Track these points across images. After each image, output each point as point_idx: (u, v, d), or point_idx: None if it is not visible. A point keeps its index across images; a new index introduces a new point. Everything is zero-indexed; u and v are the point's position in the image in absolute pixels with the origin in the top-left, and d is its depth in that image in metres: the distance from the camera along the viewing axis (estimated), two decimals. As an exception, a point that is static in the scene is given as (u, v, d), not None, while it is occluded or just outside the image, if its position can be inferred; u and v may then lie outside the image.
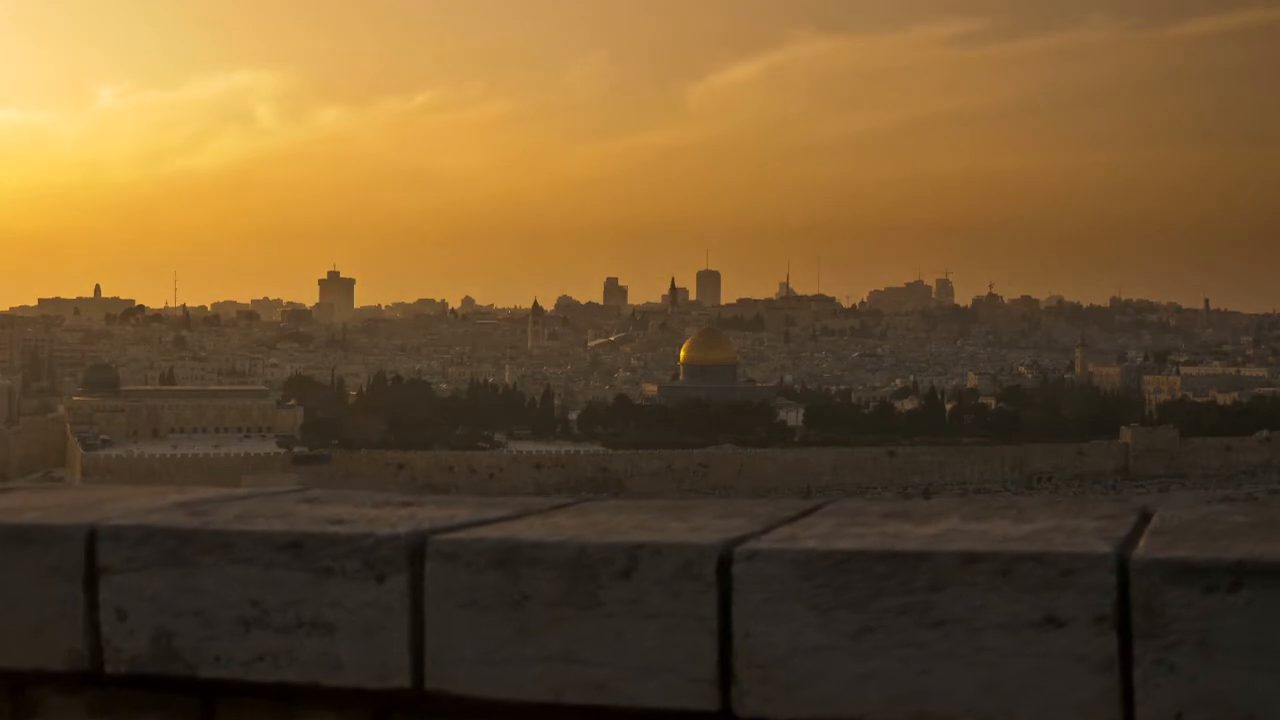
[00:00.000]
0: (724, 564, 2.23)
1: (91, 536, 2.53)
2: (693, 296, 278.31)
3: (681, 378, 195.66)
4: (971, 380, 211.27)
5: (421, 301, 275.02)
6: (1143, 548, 2.15)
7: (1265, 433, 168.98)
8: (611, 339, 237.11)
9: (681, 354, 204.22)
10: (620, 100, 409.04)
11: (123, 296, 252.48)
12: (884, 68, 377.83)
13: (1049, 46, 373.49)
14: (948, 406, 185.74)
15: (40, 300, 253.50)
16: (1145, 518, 2.39)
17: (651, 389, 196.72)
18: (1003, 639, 2.11)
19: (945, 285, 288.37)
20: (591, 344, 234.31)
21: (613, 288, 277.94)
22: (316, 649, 2.41)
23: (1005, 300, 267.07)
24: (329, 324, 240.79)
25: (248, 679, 2.45)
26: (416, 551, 2.37)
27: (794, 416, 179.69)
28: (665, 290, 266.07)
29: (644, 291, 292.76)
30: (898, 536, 2.28)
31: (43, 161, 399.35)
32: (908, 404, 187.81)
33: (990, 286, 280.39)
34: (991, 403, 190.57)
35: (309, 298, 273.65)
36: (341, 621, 2.40)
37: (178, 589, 2.48)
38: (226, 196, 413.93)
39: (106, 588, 2.51)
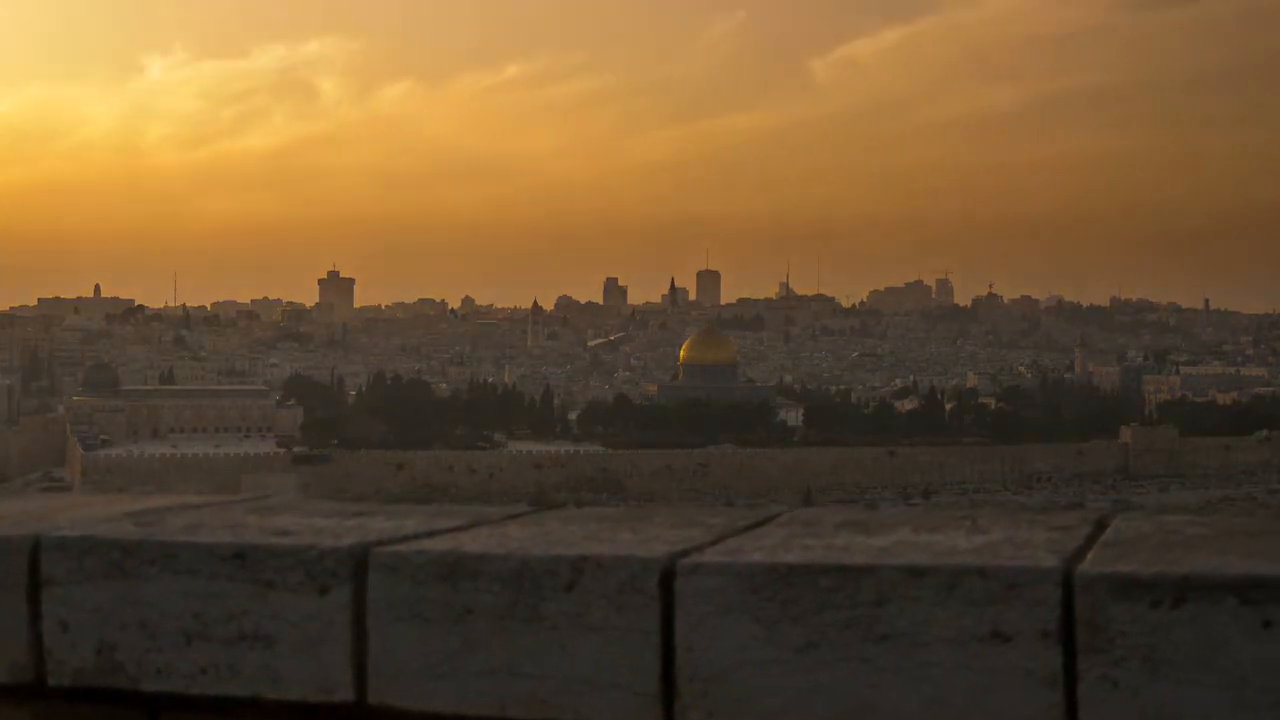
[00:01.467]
0: (667, 577, 2.22)
1: (35, 547, 2.50)
2: (692, 296, 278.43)
3: (681, 378, 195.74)
4: (971, 380, 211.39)
5: (421, 301, 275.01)
6: (1090, 561, 2.13)
7: (1265, 432, 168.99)
8: (611, 339, 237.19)
9: (681, 354, 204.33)
10: (730, 78, 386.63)
11: (122, 296, 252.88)
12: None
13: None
14: (947, 406, 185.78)
15: (40, 300, 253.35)
16: (1100, 528, 2.38)
17: (651, 389, 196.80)
18: (948, 653, 2.10)
19: (945, 285, 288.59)
20: (591, 344, 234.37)
21: (612, 287, 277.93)
22: (259, 662, 2.38)
23: (1005, 300, 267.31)
24: (329, 324, 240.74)
25: (190, 692, 2.42)
26: (359, 563, 2.35)
27: (794, 416, 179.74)
28: (665, 290, 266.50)
29: (644, 291, 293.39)
30: (846, 549, 2.26)
31: (65, 149, 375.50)
32: (907, 404, 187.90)
33: (990, 286, 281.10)
34: (991, 403, 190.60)
35: (309, 297, 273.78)
36: (284, 634, 2.37)
37: (121, 601, 2.45)
38: (265, 185, 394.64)
39: (50, 599, 2.48)
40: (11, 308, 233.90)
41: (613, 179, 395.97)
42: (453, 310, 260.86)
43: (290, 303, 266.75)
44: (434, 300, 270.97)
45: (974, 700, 2.09)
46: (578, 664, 2.24)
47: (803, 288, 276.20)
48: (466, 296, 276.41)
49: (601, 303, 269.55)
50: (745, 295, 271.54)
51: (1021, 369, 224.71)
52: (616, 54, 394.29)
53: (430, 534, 2.46)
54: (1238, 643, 1.99)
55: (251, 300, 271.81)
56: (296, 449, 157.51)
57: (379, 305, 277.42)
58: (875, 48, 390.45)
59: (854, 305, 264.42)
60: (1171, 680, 2.02)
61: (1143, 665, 2.03)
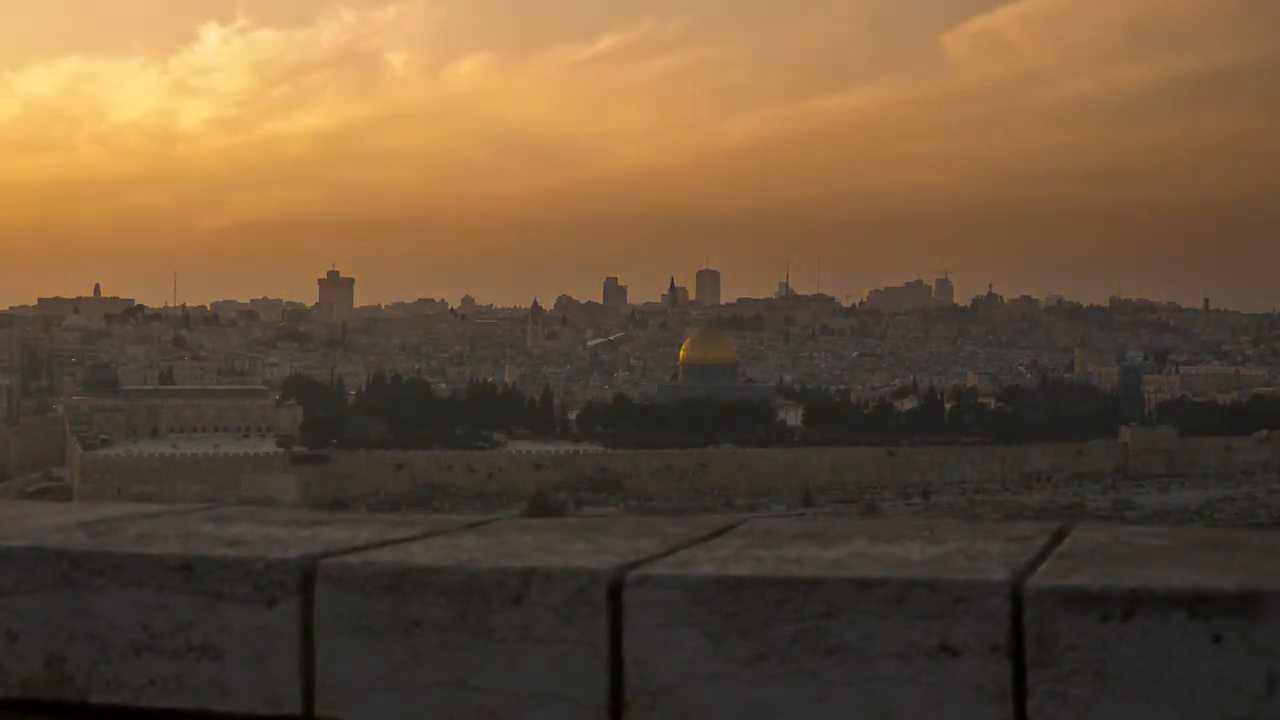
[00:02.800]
0: (615, 589, 2.20)
1: None
2: (692, 296, 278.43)
3: (681, 377, 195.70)
4: (971, 380, 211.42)
5: (421, 301, 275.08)
6: (1041, 574, 2.12)
7: (1265, 432, 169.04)
8: (611, 338, 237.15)
9: (681, 354, 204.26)
10: (844, 50, 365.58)
11: (122, 296, 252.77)
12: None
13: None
14: (947, 406, 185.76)
15: (40, 300, 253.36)
16: (1058, 539, 2.37)
17: (651, 388, 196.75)
18: (896, 667, 2.09)
19: (945, 285, 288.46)
20: (591, 343, 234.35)
21: (612, 287, 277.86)
22: (207, 674, 2.37)
23: (1005, 300, 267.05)
24: (329, 323, 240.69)
25: (139, 704, 2.40)
26: (307, 575, 2.34)
27: (793, 416, 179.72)
28: (665, 290, 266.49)
29: (643, 291, 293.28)
30: (797, 561, 2.25)
31: (96, 134, 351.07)
32: (907, 404, 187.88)
33: (990, 286, 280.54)
34: (991, 402, 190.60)
35: (308, 297, 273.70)
36: (231, 647, 2.36)
37: (70, 612, 2.43)
38: (304, 179, 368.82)
39: None
40: (11, 307, 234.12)
41: (695, 165, 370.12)
42: (452, 310, 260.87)
43: (290, 302, 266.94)
44: (434, 300, 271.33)
45: (922, 714, 2.08)
46: (526, 677, 2.23)
47: (802, 287, 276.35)
48: (466, 296, 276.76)
49: (601, 302, 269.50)
50: (745, 295, 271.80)
51: (1021, 369, 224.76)
52: (726, 22, 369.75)
53: (382, 544, 2.46)
54: (1187, 657, 1.98)
55: (251, 300, 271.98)
56: (296, 449, 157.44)
57: (379, 305, 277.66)
58: (1003, 21, 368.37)
59: (853, 305, 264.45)
60: (1121, 695, 2.01)
61: (1092, 679, 2.02)
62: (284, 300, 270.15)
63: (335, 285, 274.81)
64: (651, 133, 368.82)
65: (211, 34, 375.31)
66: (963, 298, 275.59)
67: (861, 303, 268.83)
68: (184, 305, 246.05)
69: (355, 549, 2.42)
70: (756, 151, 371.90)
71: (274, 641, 2.34)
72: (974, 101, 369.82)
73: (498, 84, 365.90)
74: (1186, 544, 2.29)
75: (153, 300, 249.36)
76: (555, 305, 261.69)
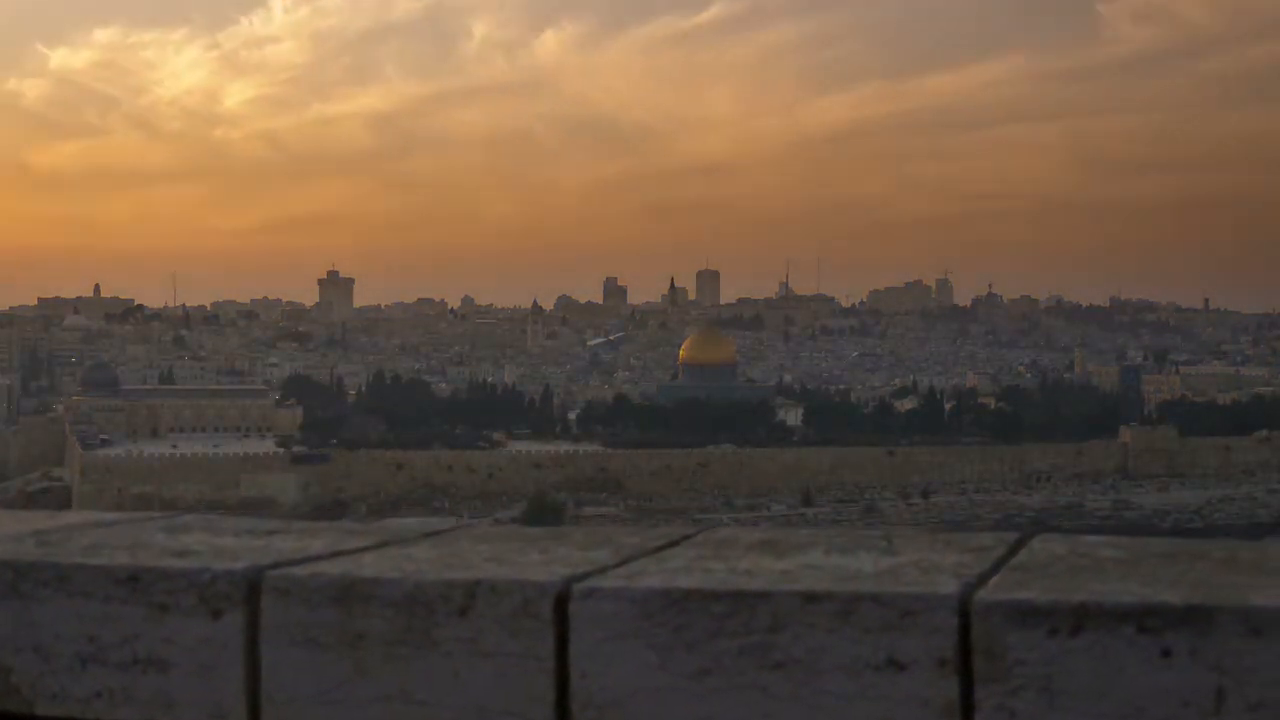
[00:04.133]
0: (561, 602, 2.19)
1: None
2: (692, 296, 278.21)
3: (681, 377, 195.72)
4: (971, 380, 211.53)
5: (421, 301, 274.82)
6: (991, 588, 2.11)
7: (1264, 432, 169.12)
8: (611, 338, 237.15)
9: (681, 353, 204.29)
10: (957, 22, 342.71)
11: (122, 296, 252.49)
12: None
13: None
14: (947, 406, 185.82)
15: (39, 299, 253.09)
16: (1015, 550, 2.37)
17: (651, 388, 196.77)
18: (843, 682, 2.07)
19: (944, 285, 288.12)
20: (591, 343, 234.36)
21: (612, 287, 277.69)
22: (152, 687, 2.35)
23: (1004, 300, 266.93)
24: (328, 323, 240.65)
25: (86, 717, 2.38)
26: (253, 587, 2.33)
27: (793, 416, 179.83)
28: (664, 289, 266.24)
29: (643, 291, 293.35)
30: (748, 573, 2.23)
31: (131, 115, 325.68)
32: (907, 403, 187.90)
33: (989, 286, 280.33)
34: (991, 402, 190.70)
35: (308, 297, 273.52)
36: (177, 659, 2.34)
37: (16, 623, 2.42)
38: (354, 169, 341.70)
39: None
40: (11, 307, 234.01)
41: (777, 153, 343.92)
42: (452, 310, 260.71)
43: (290, 302, 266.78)
44: (433, 300, 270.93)
45: None
46: (471, 690, 2.22)
47: (802, 287, 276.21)
48: (466, 296, 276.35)
49: (601, 302, 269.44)
50: (744, 295, 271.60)
51: (1021, 369, 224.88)
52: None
53: (333, 555, 2.45)
54: (1136, 671, 1.98)
55: (251, 300, 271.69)
56: (296, 449, 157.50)
57: (378, 305, 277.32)
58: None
59: (853, 305, 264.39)
60: (1069, 710, 2.00)
61: (1040, 695, 2.01)
62: (284, 300, 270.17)
63: (335, 285, 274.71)
64: (737, 117, 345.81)
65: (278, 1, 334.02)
66: (963, 298, 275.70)
67: (861, 302, 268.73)
68: (184, 305, 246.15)
69: (305, 559, 2.41)
70: (845, 137, 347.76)
71: (219, 654, 2.32)
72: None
73: (580, 61, 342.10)
74: (1143, 555, 2.28)
75: (152, 300, 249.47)
76: (555, 305, 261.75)
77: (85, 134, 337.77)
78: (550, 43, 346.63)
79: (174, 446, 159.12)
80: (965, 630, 2.05)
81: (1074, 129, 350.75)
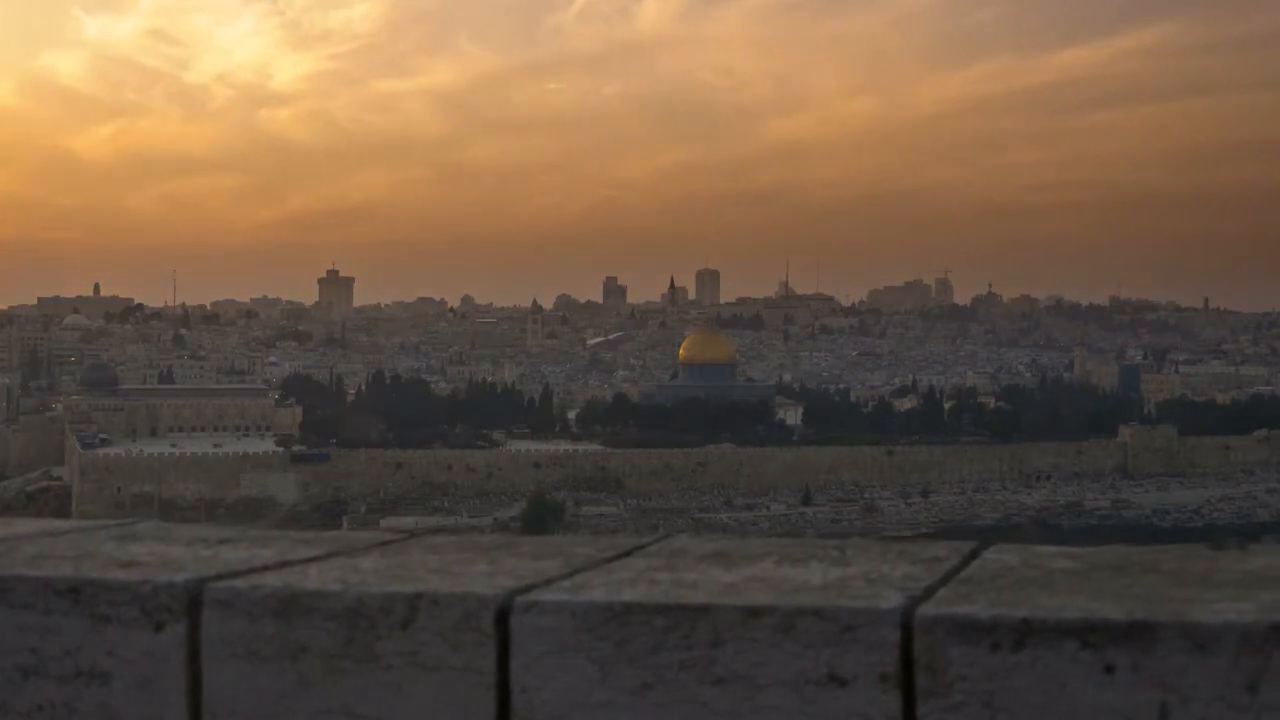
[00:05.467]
0: (503, 615, 2.18)
1: None
2: (692, 295, 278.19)
3: (680, 377, 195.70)
4: (970, 379, 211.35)
5: (420, 300, 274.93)
6: (934, 601, 2.09)
7: (1264, 431, 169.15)
8: (610, 338, 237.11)
9: (680, 353, 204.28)
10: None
11: (122, 295, 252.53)
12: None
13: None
14: (946, 405, 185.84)
15: (39, 299, 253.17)
16: (968, 562, 2.35)
17: (651, 388, 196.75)
18: (785, 696, 2.06)
19: (944, 284, 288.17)
20: (590, 343, 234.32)
21: (612, 286, 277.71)
22: (94, 700, 2.33)
23: (1004, 299, 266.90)
24: (328, 323, 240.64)
25: None
26: (194, 599, 2.31)
27: (793, 415, 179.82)
28: (664, 289, 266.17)
29: (643, 290, 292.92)
30: (693, 586, 2.22)
31: (172, 93, 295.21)
32: (906, 403, 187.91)
33: (989, 286, 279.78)
34: (990, 402, 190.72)
35: (308, 296, 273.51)
36: (120, 672, 2.32)
37: None
38: (418, 158, 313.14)
39: None
40: (11, 306, 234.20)
41: (857, 137, 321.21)
42: (452, 309, 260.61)
43: (289, 302, 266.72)
44: (433, 299, 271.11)
45: None
46: (413, 704, 2.20)
47: (802, 287, 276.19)
48: (466, 295, 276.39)
49: (601, 302, 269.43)
50: (744, 294, 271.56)
51: (1021, 368, 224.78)
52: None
53: (280, 566, 2.43)
54: (1079, 687, 1.97)
55: (251, 299, 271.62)
56: (295, 448, 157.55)
57: (378, 304, 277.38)
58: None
59: (853, 304, 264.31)
60: None
61: (982, 710, 1.99)
62: (283, 299, 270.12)
63: (335, 284, 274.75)
64: (833, 96, 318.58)
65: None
66: (962, 297, 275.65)
67: (861, 302, 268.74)
68: (184, 304, 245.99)
69: (250, 571, 2.40)
70: (937, 120, 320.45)
71: (161, 667, 2.31)
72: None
73: (680, 32, 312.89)
74: (1094, 567, 2.27)
75: (152, 299, 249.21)
76: (555, 304, 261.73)
77: (121, 114, 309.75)
78: (651, 11, 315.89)
79: (173, 446, 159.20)
80: (908, 645, 2.03)
81: (1189, 110, 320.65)
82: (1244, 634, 1.93)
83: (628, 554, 2.50)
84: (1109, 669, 1.96)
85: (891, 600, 2.09)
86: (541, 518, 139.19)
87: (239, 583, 2.33)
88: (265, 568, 2.42)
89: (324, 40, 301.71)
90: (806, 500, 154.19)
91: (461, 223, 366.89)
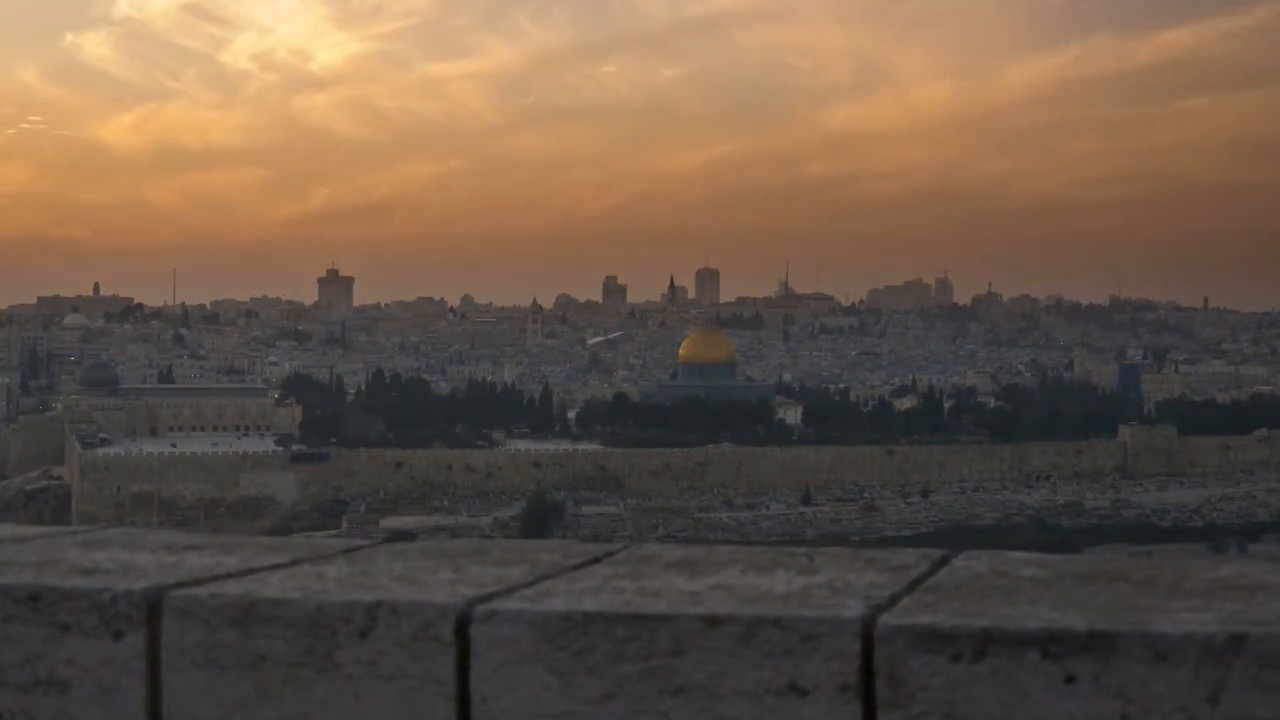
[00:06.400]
0: (463, 624, 2.16)
1: None
2: (691, 295, 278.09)
3: (680, 376, 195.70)
4: (970, 379, 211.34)
5: (420, 299, 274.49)
6: (897, 611, 2.07)
7: (1264, 431, 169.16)
8: (610, 337, 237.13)
9: (680, 352, 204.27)
10: None
11: (122, 294, 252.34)
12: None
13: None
14: (946, 405, 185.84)
15: (39, 298, 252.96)
16: (935, 569, 2.34)
17: (650, 387, 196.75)
18: (745, 707, 2.04)
19: (944, 284, 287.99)
20: (590, 342, 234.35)
21: (612, 286, 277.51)
22: (54, 708, 2.31)
23: (1004, 299, 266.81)
24: (328, 322, 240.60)
25: None
26: (154, 607, 2.29)
27: (793, 415, 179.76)
28: (664, 288, 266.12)
29: (643, 290, 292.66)
30: (655, 595, 2.20)
31: (206, 75, 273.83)
32: (906, 402, 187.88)
33: (989, 285, 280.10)
34: (990, 401, 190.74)
35: (308, 296, 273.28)
36: (78, 680, 2.30)
37: None
38: (460, 148, 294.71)
39: None
40: (10, 306, 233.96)
41: (923, 125, 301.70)
42: (452, 309, 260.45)
43: (289, 301, 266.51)
44: (433, 299, 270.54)
45: None
46: (372, 714, 2.19)
47: (802, 286, 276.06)
48: (466, 295, 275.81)
49: (601, 301, 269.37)
50: (744, 294, 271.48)
51: (1020, 368, 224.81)
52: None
53: (243, 573, 2.42)
54: (1039, 698, 1.96)
55: (251, 298, 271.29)
56: (295, 447, 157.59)
57: (378, 304, 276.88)
58: None
59: (853, 304, 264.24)
60: None
61: None
62: (283, 299, 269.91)
63: (335, 283, 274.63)
64: (910, 79, 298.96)
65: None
66: (962, 296, 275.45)
67: (861, 301, 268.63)
68: (183, 304, 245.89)
69: (212, 578, 2.38)
70: (1012, 108, 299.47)
71: (120, 675, 2.29)
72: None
73: (759, 7, 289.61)
74: (1061, 575, 2.25)
75: (152, 299, 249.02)
76: (555, 304, 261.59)
77: (150, 98, 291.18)
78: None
79: (173, 445, 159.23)
80: (868, 655, 2.01)
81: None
82: (1205, 644, 1.92)
83: (596, 560, 2.49)
84: (1070, 679, 1.95)
85: (853, 610, 2.07)
86: (541, 517, 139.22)
87: (199, 590, 2.31)
88: (228, 575, 2.41)
89: (373, 17, 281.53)
90: (806, 500, 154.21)
91: (461, 222, 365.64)
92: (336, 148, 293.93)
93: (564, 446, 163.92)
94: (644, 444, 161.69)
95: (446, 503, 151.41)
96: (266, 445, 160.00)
